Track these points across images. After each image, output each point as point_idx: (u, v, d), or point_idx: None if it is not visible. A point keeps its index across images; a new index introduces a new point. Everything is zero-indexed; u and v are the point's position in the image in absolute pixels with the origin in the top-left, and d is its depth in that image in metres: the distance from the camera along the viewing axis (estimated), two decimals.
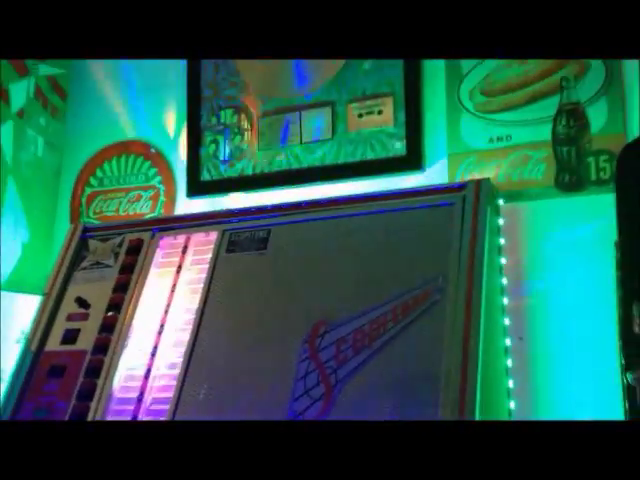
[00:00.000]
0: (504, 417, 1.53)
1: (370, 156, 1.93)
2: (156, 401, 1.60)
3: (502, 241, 1.61)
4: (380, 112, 1.93)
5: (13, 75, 2.15)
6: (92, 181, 2.30)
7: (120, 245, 1.86)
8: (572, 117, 1.72)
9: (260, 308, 1.61)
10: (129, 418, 1.59)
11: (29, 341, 1.78)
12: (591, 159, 1.69)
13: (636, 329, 1.25)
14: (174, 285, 1.74)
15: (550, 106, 1.75)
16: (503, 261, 1.61)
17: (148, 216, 2.18)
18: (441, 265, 1.46)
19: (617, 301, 1.32)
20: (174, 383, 1.58)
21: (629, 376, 1.24)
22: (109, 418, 1.61)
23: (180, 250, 1.79)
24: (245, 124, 2.10)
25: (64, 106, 2.35)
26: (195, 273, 1.74)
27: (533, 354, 1.63)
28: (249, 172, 2.08)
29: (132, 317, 1.72)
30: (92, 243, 1.91)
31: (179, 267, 1.76)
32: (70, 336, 1.76)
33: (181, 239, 1.80)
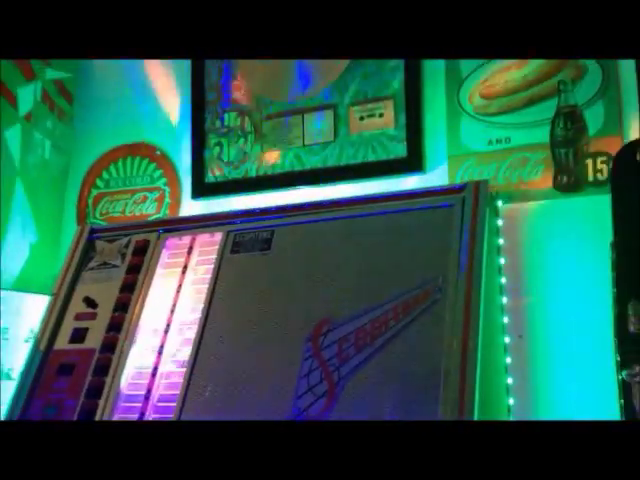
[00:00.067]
0: (503, 414, 1.55)
1: (371, 158, 1.95)
2: (163, 398, 1.62)
3: (501, 241, 1.63)
4: (381, 115, 1.95)
5: (20, 79, 2.17)
6: (98, 183, 2.33)
7: (127, 246, 1.88)
8: (570, 120, 1.73)
9: (264, 307, 1.63)
10: (137, 415, 1.61)
11: (38, 340, 1.80)
12: (589, 161, 1.71)
13: (631, 327, 1.28)
14: (180, 285, 1.76)
15: (548, 109, 1.76)
16: (502, 261, 1.63)
17: (153, 217, 2.20)
18: (441, 265, 1.48)
19: (613, 300, 1.34)
20: (180, 381, 1.59)
21: (624, 373, 1.27)
22: (117, 415, 1.62)
23: (185, 251, 1.80)
24: (249, 127, 2.12)
25: (71, 109, 2.36)
26: (200, 273, 1.76)
27: (532, 352, 1.64)
28: (253, 174, 2.10)
29: (139, 316, 1.74)
30: (99, 244, 1.93)
31: (184, 267, 1.78)
32: (78, 335, 1.77)
33: (186, 240, 1.82)
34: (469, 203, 1.54)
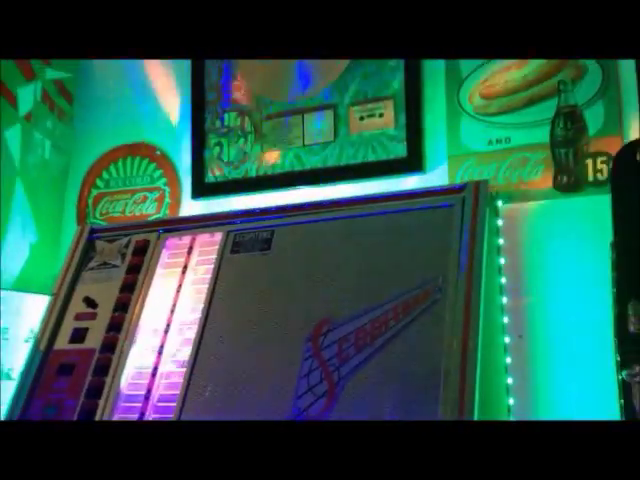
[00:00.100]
0: (503, 414, 1.55)
1: (371, 158, 1.95)
2: (163, 398, 1.62)
3: (501, 241, 1.64)
4: (381, 115, 1.95)
5: (20, 79, 2.17)
6: (98, 183, 2.33)
7: (127, 246, 1.88)
8: (570, 120, 1.74)
9: (264, 307, 1.63)
10: (137, 415, 1.61)
11: (38, 340, 1.80)
12: (588, 161, 1.71)
13: (631, 327, 1.29)
14: (180, 285, 1.76)
15: (548, 109, 1.76)
16: (502, 261, 1.63)
17: (153, 217, 2.20)
18: (441, 265, 1.48)
19: (613, 300, 1.34)
20: (180, 381, 1.60)
21: (624, 373, 1.27)
22: (117, 415, 1.63)
23: (185, 251, 1.81)
24: (248, 127, 2.13)
25: (71, 109, 2.36)
26: (200, 273, 1.76)
27: (532, 352, 1.65)
28: (253, 174, 2.10)
29: (139, 316, 1.74)
30: (99, 244, 1.93)
31: (184, 267, 1.78)
32: (78, 335, 1.78)
33: (186, 240, 1.82)
34: (469, 203, 1.55)
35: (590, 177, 1.71)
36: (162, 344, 1.70)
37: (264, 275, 1.68)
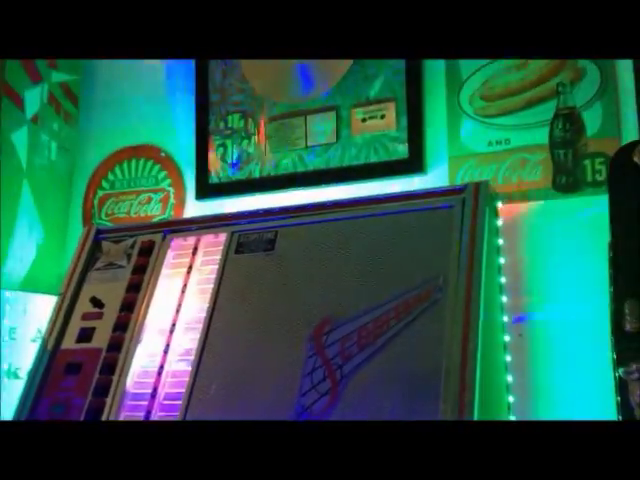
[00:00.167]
0: (503, 411, 1.56)
1: (373, 159, 1.97)
2: (169, 396, 1.64)
3: (501, 241, 1.65)
4: (383, 116, 1.97)
5: (27, 82, 2.19)
6: (104, 184, 2.35)
7: (132, 246, 1.90)
8: (568, 121, 1.75)
9: (268, 307, 1.65)
10: (143, 413, 1.63)
11: (46, 340, 1.82)
12: (587, 161, 1.73)
13: (627, 326, 1.30)
14: (185, 285, 1.78)
15: (547, 110, 1.78)
16: (502, 261, 1.64)
17: (158, 218, 2.22)
18: (441, 265, 1.50)
19: (610, 299, 1.36)
20: (186, 379, 1.61)
21: (621, 371, 1.29)
22: (124, 413, 1.64)
23: (190, 251, 1.82)
24: (252, 128, 2.14)
25: (76, 111, 2.38)
26: (205, 273, 1.78)
27: (531, 350, 1.66)
28: (256, 175, 2.11)
29: (145, 316, 1.75)
30: (105, 245, 1.95)
31: (189, 268, 1.80)
32: (85, 334, 1.79)
33: (191, 240, 1.84)
34: (469, 204, 1.56)
35: (588, 178, 1.72)
36: (168, 343, 1.71)
37: (268, 275, 1.69)
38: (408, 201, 1.65)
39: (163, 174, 2.27)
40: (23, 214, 2.18)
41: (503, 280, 1.64)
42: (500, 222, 1.66)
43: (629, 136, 1.66)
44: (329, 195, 1.91)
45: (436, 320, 1.45)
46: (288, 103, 2.10)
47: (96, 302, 1.83)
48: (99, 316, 1.82)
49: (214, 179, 2.17)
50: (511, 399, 1.58)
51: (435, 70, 1.94)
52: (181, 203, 2.22)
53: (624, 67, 1.73)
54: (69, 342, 1.81)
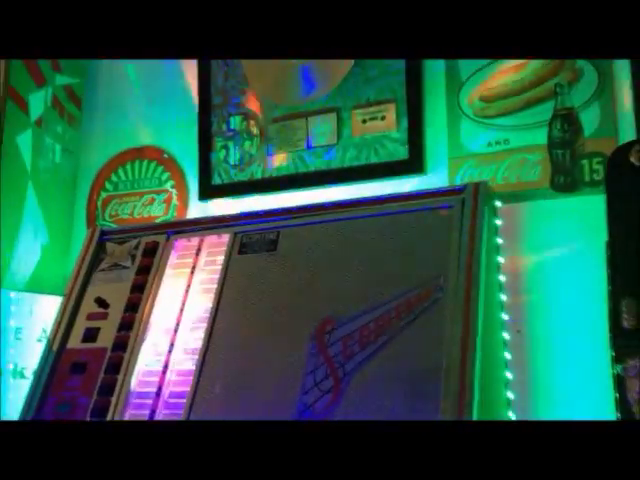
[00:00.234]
0: (503, 408, 1.58)
1: (374, 160, 1.98)
2: (174, 395, 1.65)
3: (500, 241, 1.66)
4: (383, 118, 1.98)
5: (31, 85, 2.21)
6: (107, 185, 2.37)
7: (136, 247, 1.91)
8: (566, 121, 1.76)
9: (270, 306, 1.66)
10: (148, 411, 1.64)
11: (51, 340, 1.83)
12: (585, 161, 1.74)
13: (625, 323, 1.32)
14: (188, 285, 1.79)
15: (545, 111, 1.79)
16: (501, 260, 1.65)
17: (161, 219, 2.24)
18: (441, 265, 1.51)
19: (607, 297, 1.37)
20: (190, 378, 1.63)
21: (618, 368, 1.31)
22: (129, 412, 1.66)
23: (194, 252, 1.84)
24: (254, 130, 2.16)
25: (80, 114, 2.40)
26: (208, 273, 1.79)
27: (531, 347, 1.67)
28: (258, 176, 2.13)
29: (149, 316, 1.77)
30: (110, 246, 1.96)
31: (193, 268, 1.81)
32: (90, 334, 1.81)
33: (195, 241, 1.85)
34: (469, 204, 1.57)
35: (586, 177, 1.73)
36: (172, 342, 1.73)
37: (270, 275, 1.71)
38: (408, 201, 1.66)
39: (166, 175, 2.29)
40: (28, 216, 2.20)
41: (502, 279, 1.65)
42: (499, 222, 1.67)
43: (626, 136, 1.67)
44: (330, 196, 1.93)
45: (436, 319, 1.46)
46: (290, 105, 2.12)
47: (101, 302, 1.84)
48: (104, 316, 1.83)
49: (217, 180, 2.19)
50: (511, 396, 1.60)
51: (435, 71, 1.95)
52: (184, 204, 2.24)
53: (621, 68, 1.74)
54: (74, 342, 1.83)
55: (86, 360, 1.78)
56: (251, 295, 1.70)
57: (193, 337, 1.72)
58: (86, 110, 2.43)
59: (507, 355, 1.62)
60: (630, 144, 1.50)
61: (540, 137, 1.80)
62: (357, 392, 1.46)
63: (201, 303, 1.76)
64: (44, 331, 2.08)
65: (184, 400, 1.61)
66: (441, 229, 1.57)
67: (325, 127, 2.06)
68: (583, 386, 1.60)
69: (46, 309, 2.11)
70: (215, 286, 1.74)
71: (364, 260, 1.62)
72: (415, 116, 1.95)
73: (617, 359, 1.32)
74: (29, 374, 2.02)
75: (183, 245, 1.88)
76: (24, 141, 2.19)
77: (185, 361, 1.70)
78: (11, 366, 2.04)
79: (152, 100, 2.35)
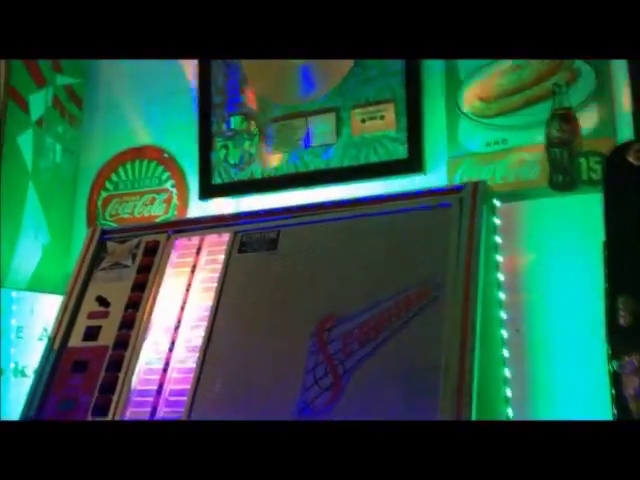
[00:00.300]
0: (501, 404, 1.59)
1: (373, 159, 1.99)
2: (174, 393, 1.66)
3: (498, 239, 1.66)
4: (382, 117, 2.00)
5: (32, 85, 2.22)
6: (108, 185, 2.38)
7: (137, 246, 1.92)
8: (564, 121, 1.77)
9: (270, 304, 1.67)
10: (149, 409, 1.65)
11: (53, 338, 1.83)
12: (582, 160, 1.75)
13: (621, 321, 1.33)
14: (189, 284, 1.80)
15: (543, 111, 1.81)
16: (500, 258, 1.66)
17: (161, 218, 2.25)
18: (440, 263, 1.52)
19: (604, 295, 1.38)
20: (191, 376, 1.63)
21: (614, 364, 1.32)
22: (130, 409, 1.67)
23: (194, 251, 1.84)
24: (254, 130, 2.17)
25: (80, 114, 2.42)
26: (209, 272, 1.80)
27: (528, 345, 1.69)
28: (258, 175, 2.14)
29: (150, 314, 1.78)
30: (110, 245, 1.97)
31: (193, 267, 1.82)
32: (91, 333, 1.81)
33: (195, 240, 1.86)
34: (467, 203, 1.58)
35: (584, 176, 1.75)
36: (173, 341, 1.73)
37: (270, 274, 1.72)
38: (407, 200, 1.67)
39: (166, 175, 2.30)
40: (29, 215, 2.21)
41: (501, 277, 1.66)
42: (498, 220, 1.68)
43: (624, 136, 1.69)
44: (330, 195, 1.94)
45: (435, 316, 1.47)
46: (289, 105, 2.13)
47: (102, 301, 1.85)
48: (105, 315, 1.84)
49: (217, 180, 2.20)
50: (509, 393, 1.61)
51: (433, 71, 1.97)
52: (184, 203, 2.25)
53: (618, 68, 1.75)
54: (75, 340, 1.83)
55: (87, 358, 1.78)
56: (251, 294, 1.71)
57: (194, 335, 1.73)
58: (87, 110, 2.44)
59: (505, 352, 1.63)
60: (628, 144, 1.50)
61: (538, 136, 1.81)
62: (357, 389, 1.47)
63: (201, 302, 1.76)
64: (45, 330, 2.09)
65: (185, 398, 1.62)
66: (440, 228, 1.58)
67: (325, 126, 2.07)
68: (580, 383, 1.61)
69: (47, 308, 2.12)
70: (215, 285, 1.75)
71: (363, 258, 1.63)
72: (414, 116, 1.96)
73: (613, 356, 1.32)
74: (30, 373, 2.03)
75: (183, 244, 1.88)
76: (25, 141, 2.20)
77: (186, 359, 1.71)
78: (12, 365, 2.04)
79: (152, 100, 2.36)
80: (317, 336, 1.56)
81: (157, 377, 1.70)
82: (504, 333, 1.64)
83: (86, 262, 1.96)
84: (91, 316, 1.86)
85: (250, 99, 2.20)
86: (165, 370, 1.70)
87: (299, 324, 1.60)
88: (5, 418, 1.94)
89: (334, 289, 1.62)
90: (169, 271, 1.85)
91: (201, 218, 1.98)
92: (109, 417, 1.67)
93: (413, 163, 1.95)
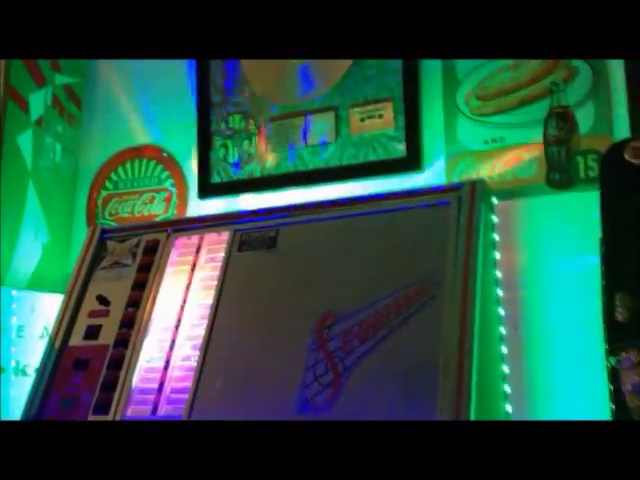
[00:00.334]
0: (500, 401, 1.60)
1: (372, 158, 2.00)
2: (175, 390, 1.67)
3: (496, 237, 1.67)
4: (381, 116, 2.01)
5: (31, 85, 2.22)
6: (107, 184, 2.38)
7: (137, 245, 1.92)
8: (561, 119, 1.79)
9: (270, 302, 1.68)
10: (150, 407, 1.66)
11: (53, 337, 1.84)
12: (580, 159, 1.76)
13: (618, 317, 1.34)
14: (189, 282, 1.80)
15: (541, 109, 1.82)
16: (498, 256, 1.67)
17: (161, 217, 2.25)
18: (439, 261, 1.53)
19: (602, 291, 1.39)
20: (192, 374, 1.64)
21: (612, 360, 1.33)
22: (131, 407, 1.67)
23: (194, 249, 1.85)
24: (253, 129, 2.18)
25: (80, 113, 2.42)
26: (209, 271, 1.81)
27: (527, 342, 1.69)
28: (257, 174, 2.15)
29: (150, 313, 1.78)
30: (110, 244, 1.98)
31: (193, 265, 1.83)
32: (92, 332, 1.82)
33: (195, 239, 1.86)
34: (466, 201, 1.59)
35: (581, 174, 1.76)
36: (173, 339, 1.74)
37: (270, 272, 1.73)
38: (406, 199, 1.68)
39: (166, 174, 2.31)
40: (29, 215, 2.22)
41: (499, 274, 1.67)
42: (496, 218, 1.69)
43: (621, 134, 1.69)
44: (329, 193, 1.94)
45: (434, 314, 1.48)
46: (288, 104, 2.14)
47: (102, 300, 1.85)
48: (105, 313, 1.84)
49: (216, 179, 2.21)
50: (508, 389, 1.62)
51: (432, 70, 1.97)
52: (184, 202, 2.26)
53: (616, 66, 1.76)
54: (76, 339, 1.84)
55: (88, 357, 1.79)
56: (251, 292, 1.72)
57: (194, 334, 1.73)
58: (86, 109, 2.44)
59: (504, 349, 1.64)
60: (625, 141, 1.51)
61: (536, 135, 1.82)
62: (356, 386, 1.48)
63: (202, 300, 1.77)
64: (46, 329, 2.10)
65: (186, 396, 1.63)
66: (439, 226, 1.59)
67: (323, 125, 2.08)
68: (578, 378, 1.62)
69: (47, 307, 2.13)
70: (215, 283, 1.76)
71: (362, 256, 1.64)
72: (412, 114, 1.97)
73: (611, 352, 1.33)
74: (31, 371, 2.03)
75: (183, 243, 1.89)
76: (25, 141, 2.20)
77: (186, 357, 1.72)
78: (13, 364, 2.05)
79: (151, 99, 2.36)
80: (317, 333, 1.57)
81: (158, 375, 1.70)
82: (502, 330, 1.65)
83: (86, 261, 1.96)
84: (92, 315, 1.86)
85: (249, 98, 2.21)
86: (166, 368, 1.71)
87: (299, 321, 1.61)
88: (6, 417, 1.95)
89: (333, 287, 1.63)
90: (169, 270, 1.85)
91: (200, 217, 1.99)
92: (110, 415, 1.67)
93: (411, 162, 1.95)
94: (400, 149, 1.98)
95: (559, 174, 1.79)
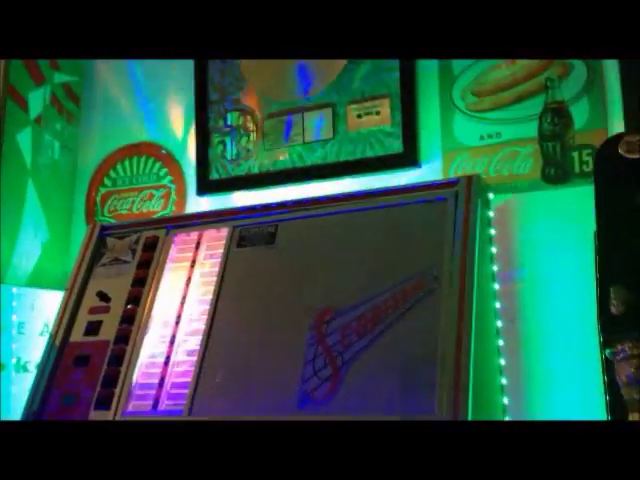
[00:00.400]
0: (497, 393, 1.62)
1: (369, 154, 2.01)
2: (176, 386, 1.68)
3: (493, 231, 1.69)
4: (378, 113, 2.02)
5: (30, 84, 2.23)
6: (106, 181, 2.39)
7: (137, 242, 1.94)
8: (557, 115, 1.80)
9: (269, 298, 1.69)
10: (151, 402, 1.67)
11: (54, 334, 1.85)
12: (575, 154, 1.78)
13: (613, 310, 1.36)
14: (189, 278, 1.82)
15: (536, 105, 1.83)
16: (494, 250, 1.69)
17: (160, 214, 2.26)
18: (436, 255, 1.54)
19: (596, 285, 1.41)
20: (192, 369, 1.66)
21: (607, 352, 1.34)
22: (132, 402, 1.69)
23: (194, 246, 1.86)
24: (251, 126, 2.19)
25: (78, 111, 2.43)
26: (208, 267, 1.82)
27: (523, 335, 1.71)
28: (255, 171, 2.16)
29: (150, 309, 1.80)
30: (110, 241, 1.99)
31: (193, 261, 1.84)
32: (93, 328, 1.83)
33: (194, 235, 1.88)
34: (462, 196, 1.60)
35: (576, 169, 1.77)
36: (173, 334, 1.75)
37: (269, 267, 1.74)
38: (403, 194, 1.69)
39: (164, 171, 2.32)
40: (28, 212, 2.23)
41: (495, 269, 1.69)
42: (492, 213, 1.71)
43: (615, 128, 1.71)
44: (326, 189, 1.96)
45: (432, 308, 1.50)
46: (286, 100, 2.15)
47: (103, 296, 1.87)
48: (106, 310, 1.86)
49: (214, 175, 2.22)
50: (504, 381, 1.64)
51: (428, 67, 1.98)
52: (182, 199, 2.27)
53: (610, 63, 1.77)
54: (77, 335, 1.85)
55: (89, 353, 1.80)
56: (250, 287, 1.74)
57: (194, 329, 1.75)
58: (84, 107, 2.45)
59: (500, 342, 1.66)
60: (619, 136, 1.52)
61: (531, 130, 1.84)
62: (355, 380, 1.49)
63: (201, 296, 1.79)
64: (46, 325, 2.11)
65: (186, 390, 1.64)
66: (436, 221, 1.60)
67: (321, 122, 2.09)
68: (574, 371, 1.64)
69: (48, 304, 2.14)
70: (215, 279, 1.77)
71: (360, 252, 1.65)
72: (409, 111, 1.98)
73: (606, 344, 1.35)
74: (32, 368, 2.05)
75: (183, 239, 1.90)
76: (24, 139, 2.21)
77: (187, 352, 1.73)
78: (14, 360, 2.06)
79: (150, 97, 2.37)
80: (316, 328, 1.59)
81: (158, 370, 1.72)
82: (499, 323, 1.67)
83: (86, 258, 1.98)
84: (92, 311, 1.88)
85: (247, 95, 2.22)
86: (166, 363, 1.72)
87: (298, 317, 1.62)
88: (8, 413, 1.96)
89: (332, 282, 1.64)
90: (169, 266, 1.87)
91: (199, 213, 2.00)
92: (111, 410, 1.69)
93: (408, 158, 1.96)
94: (397, 145, 1.99)
95: (554, 169, 1.80)
